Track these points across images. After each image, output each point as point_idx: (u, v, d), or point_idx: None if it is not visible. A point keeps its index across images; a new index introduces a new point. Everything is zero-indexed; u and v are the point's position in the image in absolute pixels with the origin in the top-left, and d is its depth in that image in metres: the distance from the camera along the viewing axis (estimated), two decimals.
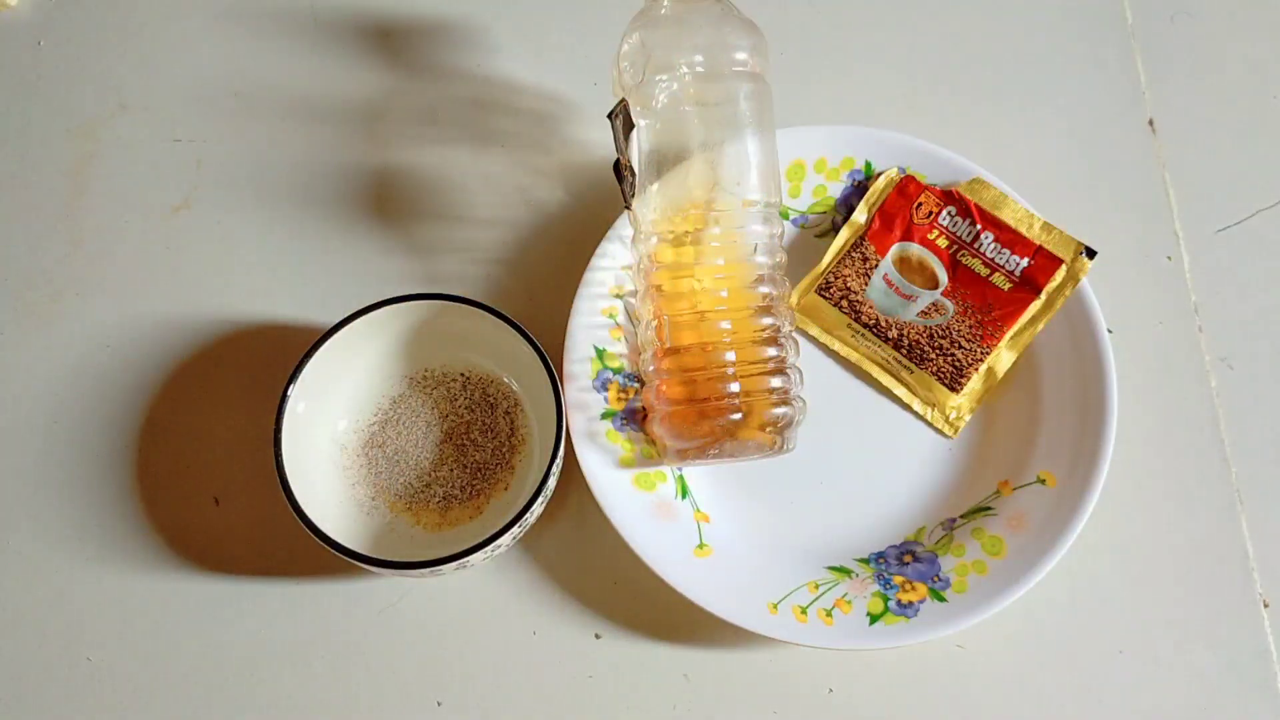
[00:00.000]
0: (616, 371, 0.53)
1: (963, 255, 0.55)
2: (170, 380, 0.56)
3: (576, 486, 0.53)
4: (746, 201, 0.49)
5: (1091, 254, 0.53)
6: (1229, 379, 0.57)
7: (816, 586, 0.51)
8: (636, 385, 0.53)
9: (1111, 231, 0.59)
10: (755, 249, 0.49)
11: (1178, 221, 0.60)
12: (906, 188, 0.55)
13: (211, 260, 0.58)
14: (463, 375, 0.54)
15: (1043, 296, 0.54)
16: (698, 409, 0.48)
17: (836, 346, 0.56)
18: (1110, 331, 0.53)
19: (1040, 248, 0.54)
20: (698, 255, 0.49)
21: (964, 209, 0.55)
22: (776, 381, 0.49)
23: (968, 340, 0.54)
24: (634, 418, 0.53)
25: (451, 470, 0.53)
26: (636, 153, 0.49)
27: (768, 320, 0.49)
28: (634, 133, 0.48)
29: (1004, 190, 0.55)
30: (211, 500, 0.54)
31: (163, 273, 0.57)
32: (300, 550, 0.53)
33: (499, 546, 0.47)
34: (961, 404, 0.55)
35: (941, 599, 0.50)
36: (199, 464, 0.55)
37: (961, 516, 0.53)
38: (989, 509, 0.53)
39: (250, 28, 0.62)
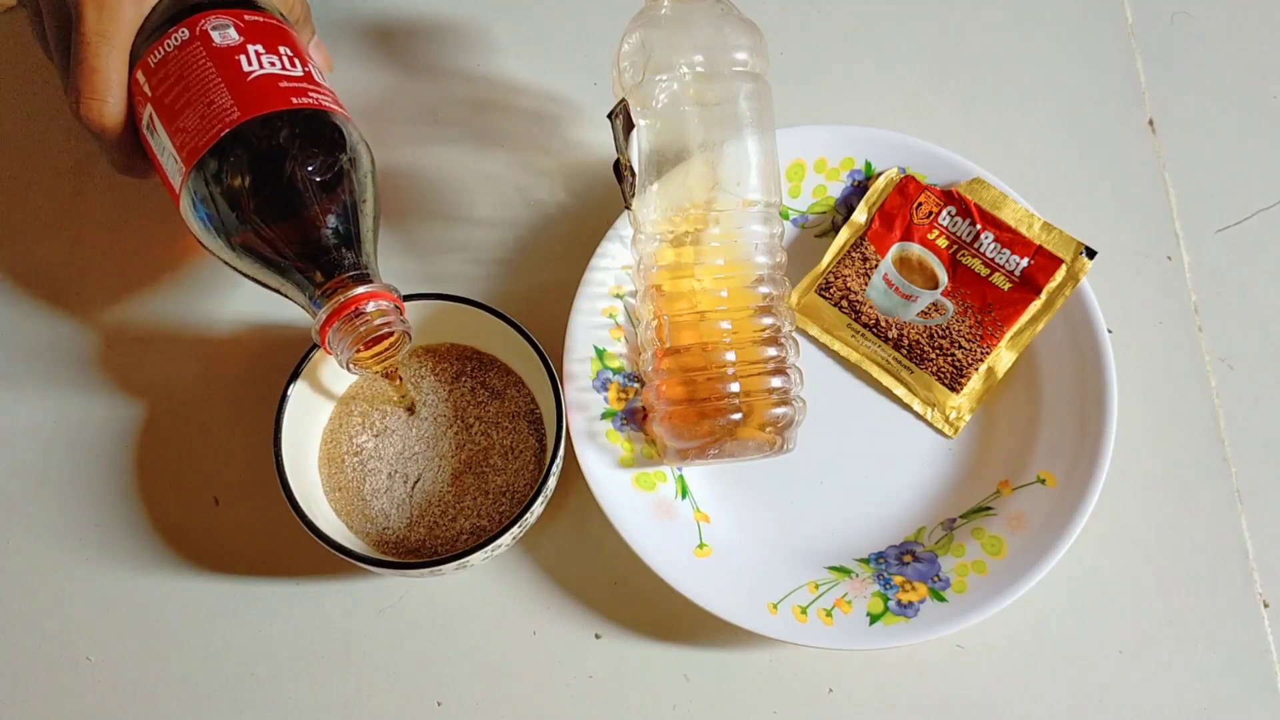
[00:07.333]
0: (616, 371, 0.53)
1: (963, 255, 0.55)
2: (170, 380, 0.56)
3: (576, 486, 0.53)
4: (746, 201, 0.49)
5: (1091, 254, 0.53)
6: (1229, 379, 0.57)
7: (816, 586, 0.51)
8: (636, 385, 0.53)
9: (1111, 231, 0.59)
10: (755, 249, 0.49)
11: (1178, 221, 0.60)
12: (906, 188, 0.55)
13: (212, 260, 0.58)
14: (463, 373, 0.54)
15: (1043, 296, 0.54)
16: (698, 409, 0.48)
17: (836, 346, 0.56)
18: (1110, 331, 0.53)
19: (1040, 247, 0.54)
20: (698, 255, 0.49)
21: (964, 209, 0.55)
22: (776, 381, 0.49)
23: (968, 340, 0.54)
24: (634, 418, 0.53)
25: (475, 500, 0.51)
26: (636, 153, 0.49)
27: (768, 320, 0.49)
28: (634, 133, 0.48)
29: (1004, 190, 0.55)
30: (211, 500, 0.54)
31: (163, 273, 0.57)
32: (300, 550, 0.53)
33: (499, 546, 0.47)
34: (961, 404, 0.55)
35: (941, 599, 0.50)
36: (199, 464, 0.55)
37: (961, 516, 0.53)
38: (989, 509, 0.53)
39: None
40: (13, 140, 0.60)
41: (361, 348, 0.45)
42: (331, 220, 0.44)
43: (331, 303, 0.43)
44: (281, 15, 0.49)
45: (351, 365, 0.45)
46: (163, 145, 0.45)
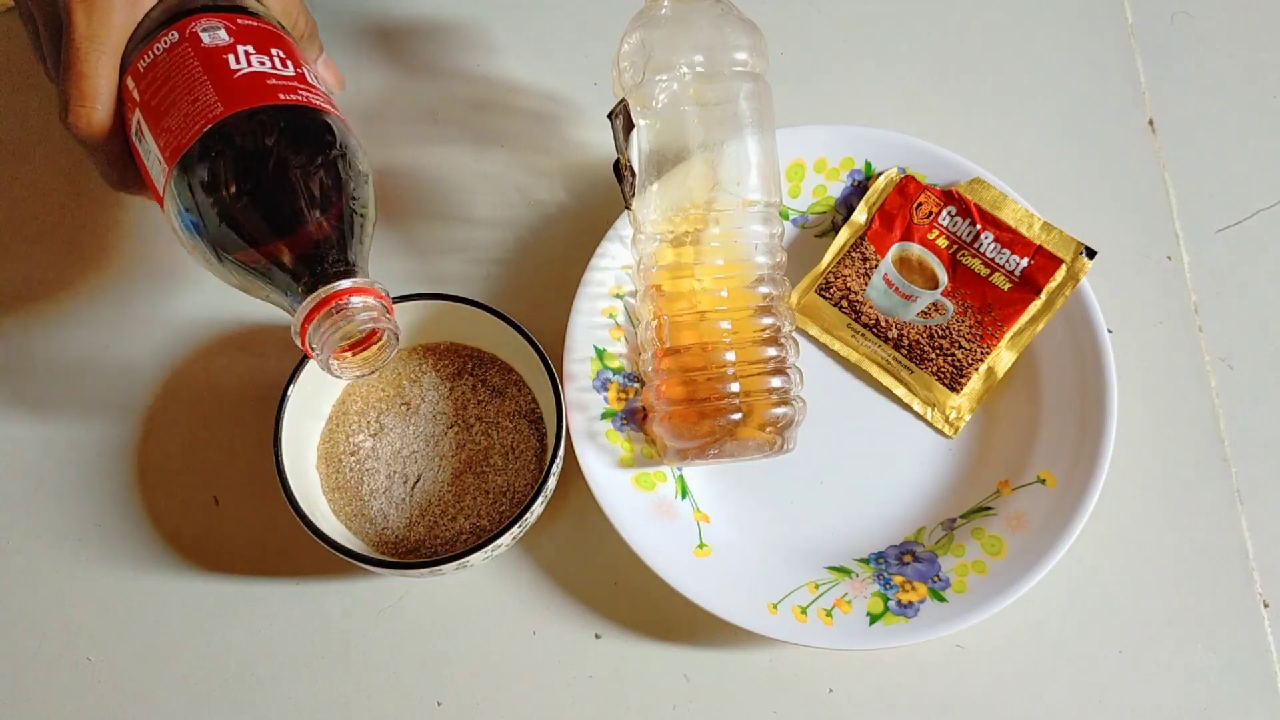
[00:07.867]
0: (616, 371, 0.53)
1: (963, 255, 0.55)
2: (170, 380, 0.56)
3: (576, 486, 0.53)
4: (746, 201, 0.49)
5: (1091, 254, 0.53)
6: (1229, 379, 0.57)
7: (816, 586, 0.51)
8: (636, 385, 0.53)
9: (1111, 231, 0.59)
10: (755, 249, 0.49)
11: (1178, 221, 0.60)
12: (906, 188, 0.55)
13: None
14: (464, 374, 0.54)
15: (1043, 296, 0.54)
16: (698, 409, 0.48)
17: (836, 346, 0.56)
18: (1110, 331, 0.53)
19: (1040, 247, 0.54)
20: (698, 255, 0.49)
21: (964, 209, 0.55)
22: (776, 381, 0.49)
23: (968, 340, 0.54)
24: (634, 418, 0.53)
25: (475, 499, 0.51)
26: (636, 153, 0.49)
27: (768, 320, 0.49)
28: (634, 133, 0.48)
29: (1004, 190, 0.55)
30: (211, 500, 0.54)
31: (163, 272, 0.57)
32: (300, 550, 0.53)
33: (499, 546, 0.47)
34: (961, 404, 0.55)
35: (941, 599, 0.50)
36: (199, 464, 0.55)
37: (961, 516, 0.53)
38: (989, 509, 0.53)
39: None
40: (11, 141, 0.60)
41: (346, 350, 0.42)
42: (317, 216, 0.42)
43: (313, 297, 0.40)
44: (281, 25, 0.47)
45: (333, 365, 0.42)
46: (149, 149, 0.43)
